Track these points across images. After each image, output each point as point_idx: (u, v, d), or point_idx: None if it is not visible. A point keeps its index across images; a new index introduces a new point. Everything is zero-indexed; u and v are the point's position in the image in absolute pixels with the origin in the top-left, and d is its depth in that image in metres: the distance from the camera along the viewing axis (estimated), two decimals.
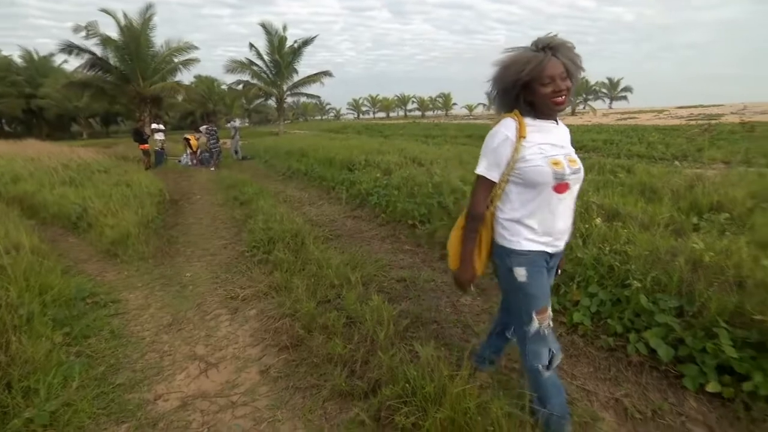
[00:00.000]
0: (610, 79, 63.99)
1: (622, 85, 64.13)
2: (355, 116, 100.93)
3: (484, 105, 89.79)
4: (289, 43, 23.93)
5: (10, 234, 3.62)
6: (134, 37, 19.65)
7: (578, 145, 11.39)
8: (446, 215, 3.95)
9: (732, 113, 30.26)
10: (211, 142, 11.54)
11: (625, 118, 32.58)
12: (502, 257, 1.49)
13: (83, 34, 18.22)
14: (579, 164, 1.42)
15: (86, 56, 19.12)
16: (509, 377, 2.01)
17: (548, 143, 1.38)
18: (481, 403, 1.55)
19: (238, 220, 5.19)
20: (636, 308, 2.22)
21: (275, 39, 23.34)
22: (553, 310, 2.46)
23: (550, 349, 1.50)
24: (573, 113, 52.70)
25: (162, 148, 12.39)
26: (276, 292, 2.99)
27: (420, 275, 3.22)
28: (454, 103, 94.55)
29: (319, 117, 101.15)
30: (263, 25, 22.96)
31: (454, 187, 4.26)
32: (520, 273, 1.44)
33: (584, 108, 59.32)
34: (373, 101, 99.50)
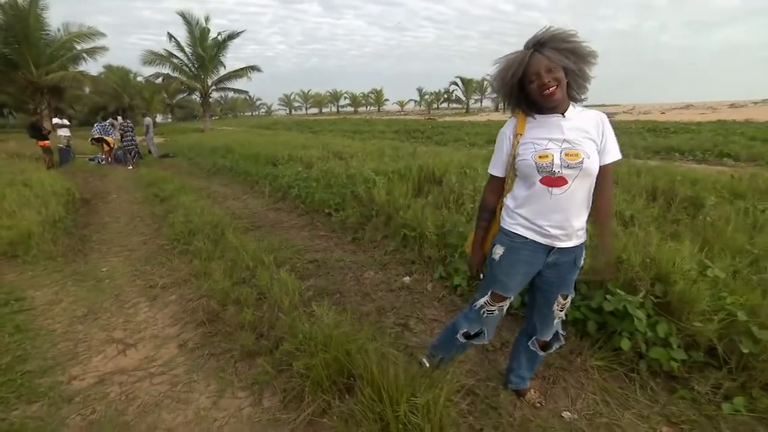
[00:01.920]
0: None
1: None
2: (287, 112, 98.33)
3: (415, 101, 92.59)
4: (212, 35, 22.84)
5: None
6: (20, 18, 17.31)
7: (493, 138, 12.52)
8: (358, 203, 4.35)
9: (624, 112, 34.92)
10: (126, 139, 10.83)
11: None
12: (495, 236, 1.57)
13: None
14: (582, 157, 1.33)
15: None
16: (396, 330, 2.46)
17: (546, 138, 1.37)
18: (361, 346, 1.95)
19: (158, 216, 5.14)
20: None
21: (197, 30, 22.13)
22: (440, 277, 3.00)
23: (482, 329, 1.67)
24: (497, 109, 56.46)
25: (68, 146, 11.30)
26: (195, 278, 3.16)
27: (331, 256, 3.59)
28: (386, 99, 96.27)
29: (250, 113, 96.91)
30: (182, 15, 21.64)
31: (367, 178, 4.68)
32: (497, 251, 1.52)
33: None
34: (305, 97, 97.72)
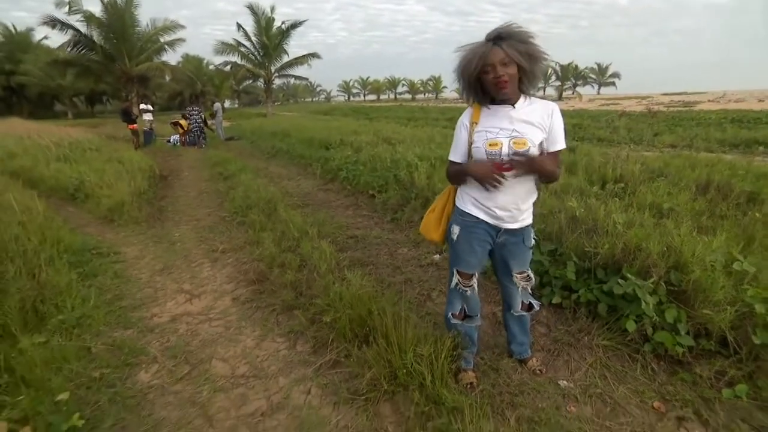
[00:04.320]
0: (599, 65, 64.36)
1: (610, 71, 64.60)
2: (346, 98, 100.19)
3: None
4: (277, 24, 23.95)
5: (20, 200, 4.18)
6: (118, 16, 19.56)
7: None
8: (400, 186, 4.61)
9: (709, 101, 31.26)
10: (195, 121, 12.05)
11: (608, 104, 33.24)
12: (452, 216, 1.75)
13: (66, 9, 18.13)
14: (528, 146, 1.47)
15: (69, 33, 19.07)
16: (418, 299, 2.72)
17: (497, 127, 1.51)
18: (381, 307, 2.23)
19: (221, 192, 5.80)
20: None
21: (262, 20, 23.31)
22: None
23: (463, 306, 1.85)
24: (560, 98, 53.23)
25: (151, 128, 12.77)
26: (249, 245, 3.65)
27: (370, 233, 3.90)
28: (444, 87, 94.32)
29: (310, 99, 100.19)
30: (250, 7, 22.89)
31: (409, 162, 4.91)
32: (454, 230, 1.69)
33: (573, 93, 59.96)
34: (364, 83, 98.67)
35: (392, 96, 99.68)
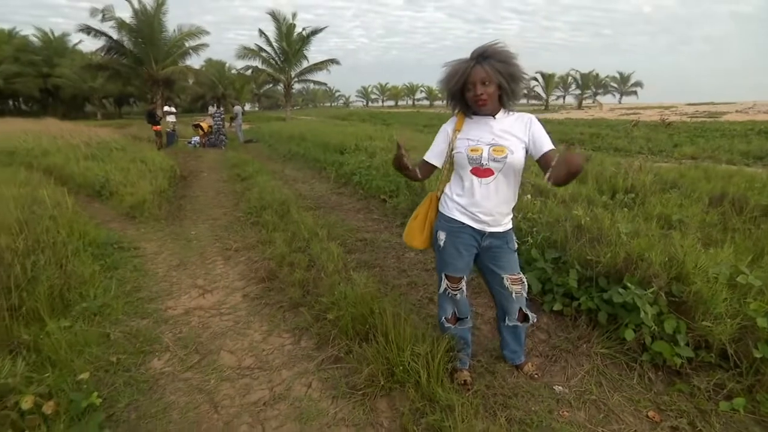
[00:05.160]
0: (620, 74, 62.95)
1: (632, 80, 63.12)
2: (364, 104, 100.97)
3: None
4: (297, 30, 24.45)
5: (52, 196, 4.43)
6: (148, 22, 20.41)
7: (566, 138, 11.96)
8: (410, 191, 4.69)
9: (737, 111, 30.31)
10: (217, 123, 12.42)
11: (629, 114, 32.59)
12: (436, 222, 1.81)
13: (99, 17, 19.03)
14: (506, 154, 1.57)
15: (103, 38, 20.02)
16: (422, 301, 2.78)
17: (478, 135, 1.61)
18: (382, 307, 2.30)
19: (237, 192, 5.99)
20: (527, 258, 2.95)
21: (284, 26, 23.85)
22: None
23: (454, 309, 1.92)
24: (580, 107, 52.35)
25: (173, 130, 13.21)
26: (261, 244, 3.78)
27: (379, 237, 3.99)
28: None
29: (328, 104, 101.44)
30: (272, 14, 23.48)
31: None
32: (440, 237, 1.76)
33: (593, 102, 58.92)
34: (382, 89, 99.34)
35: (410, 102, 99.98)
